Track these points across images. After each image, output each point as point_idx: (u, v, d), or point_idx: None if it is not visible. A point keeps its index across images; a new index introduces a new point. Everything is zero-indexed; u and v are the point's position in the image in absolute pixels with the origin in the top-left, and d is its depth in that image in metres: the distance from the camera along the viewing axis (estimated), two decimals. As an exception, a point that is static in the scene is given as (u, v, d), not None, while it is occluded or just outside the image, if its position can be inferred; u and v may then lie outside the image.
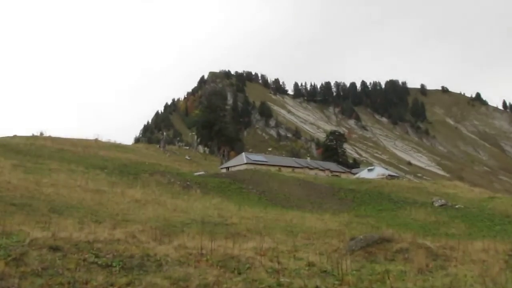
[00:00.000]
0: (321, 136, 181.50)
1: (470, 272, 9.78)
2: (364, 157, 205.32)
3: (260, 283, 7.61)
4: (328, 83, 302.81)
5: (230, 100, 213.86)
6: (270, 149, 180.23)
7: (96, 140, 68.54)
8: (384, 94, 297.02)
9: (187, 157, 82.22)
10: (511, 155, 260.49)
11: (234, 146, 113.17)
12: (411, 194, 40.21)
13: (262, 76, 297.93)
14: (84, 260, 7.67)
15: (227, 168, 66.95)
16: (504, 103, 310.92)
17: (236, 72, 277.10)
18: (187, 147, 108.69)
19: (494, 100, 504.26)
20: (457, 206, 34.44)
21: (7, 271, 6.74)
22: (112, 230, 11.27)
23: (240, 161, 69.37)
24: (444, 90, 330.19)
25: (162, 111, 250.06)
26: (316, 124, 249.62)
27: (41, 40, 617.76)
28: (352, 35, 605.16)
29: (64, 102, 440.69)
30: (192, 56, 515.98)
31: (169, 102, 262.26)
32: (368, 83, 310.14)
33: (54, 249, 7.98)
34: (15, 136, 57.85)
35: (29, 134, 63.20)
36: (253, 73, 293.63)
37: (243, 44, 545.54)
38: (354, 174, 78.37)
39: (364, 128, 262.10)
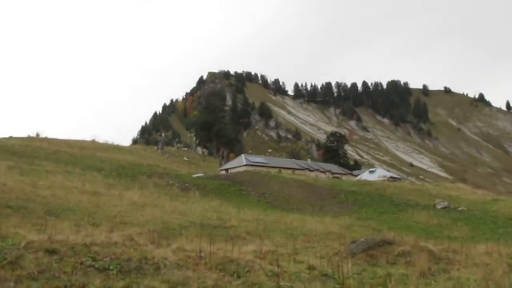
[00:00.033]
0: (322, 137, 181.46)
1: (473, 275, 9.78)
2: (365, 158, 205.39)
3: (260, 287, 7.62)
4: (328, 84, 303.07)
5: (229, 101, 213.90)
6: (270, 150, 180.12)
7: (93, 141, 68.58)
8: (386, 95, 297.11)
9: (185, 158, 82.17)
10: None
11: (233, 147, 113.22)
12: (413, 196, 40.22)
13: (262, 76, 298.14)
14: (81, 263, 7.66)
15: (226, 170, 66.93)
16: (508, 104, 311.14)
17: (236, 73, 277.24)
18: (186, 149, 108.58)
19: (498, 101, 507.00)
20: (459, 209, 34.44)
21: (2, 275, 6.73)
22: (110, 233, 11.27)
23: (239, 163, 69.31)
24: (447, 91, 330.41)
25: (160, 111, 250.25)
26: (316, 125, 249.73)
27: (40, 40, 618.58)
28: (353, 35, 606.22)
29: (64, 103, 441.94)
30: (192, 56, 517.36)
31: (168, 103, 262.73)
32: (369, 84, 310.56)
33: (51, 252, 7.98)
34: (10, 138, 57.83)
35: (25, 135, 63.25)
36: (253, 73, 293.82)
37: (243, 44, 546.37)
38: (355, 176, 78.33)
39: (365, 129, 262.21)
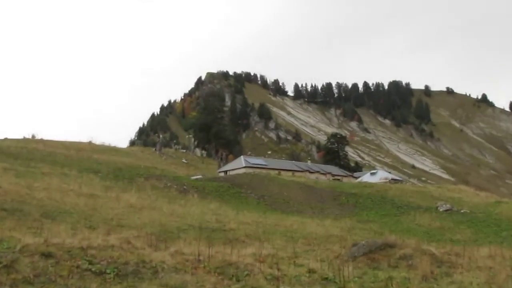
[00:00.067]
0: (322, 138, 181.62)
1: (476, 279, 9.78)
2: (366, 160, 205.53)
3: (259, 291, 7.61)
4: (329, 84, 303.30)
5: (228, 102, 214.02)
6: (269, 152, 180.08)
7: (89, 143, 68.58)
8: (387, 95, 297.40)
9: (184, 160, 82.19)
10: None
11: (233, 149, 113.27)
12: (415, 199, 40.24)
13: (261, 77, 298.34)
14: (78, 267, 7.66)
15: (225, 172, 66.95)
16: (511, 105, 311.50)
17: (235, 73, 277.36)
18: (184, 150, 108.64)
19: (501, 101, 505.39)
20: (462, 211, 34.45)
21: (-3, 279, 6.73)
22: (106, 236, 11.26)
23: (238, 165, 69.34)
24: (449, 91, 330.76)
25: (158, 113, 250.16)
26: (317, 126, 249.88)
27: (38, 40, 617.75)
28: (354, 35, 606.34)
29: (62, 103, 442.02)
30: (192, 57, 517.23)
31: (166, 104, 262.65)
32: (370, 84, 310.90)
33: (46, 255, 7.97)
34: (6, 139, 57.86)
35: (20, 137, 63.25)
36: (252, 74, 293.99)
37: (243, 45, 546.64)
38: (356, 178, 78.39)
39: (366, 130, 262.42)
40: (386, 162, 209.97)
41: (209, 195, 35.87)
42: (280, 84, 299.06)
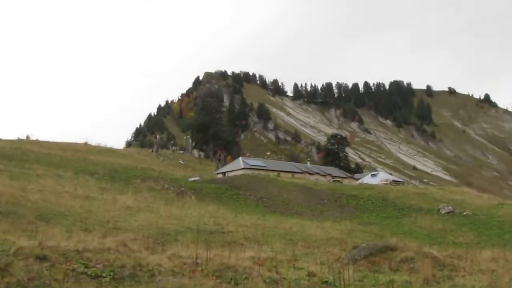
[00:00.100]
0: (322, 139, 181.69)
1: (479, 282, 9.79)
2: (367, 161, 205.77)
3: (258, 294, 7.61)
4: (329, 84, 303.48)
5: (226, 102, 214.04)
6: (268, 153, 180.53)
7: (85, 144, 68.43)
8: (388, 96, 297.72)
9: (181, 161, 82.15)
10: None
11: (231, 150, 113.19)
12: (417, 201, 40.27)
13: (260, 76, 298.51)
14: (73, 270, 7.65)
15: (224, 173, 66.96)
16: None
17: (233, 73, 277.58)
18: (181, 151, 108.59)
19: (504, 101, 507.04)
20: (465, 213, 34.50)
21: (-9, 282, 6.72)
22: (102, 238, 11.25)
23: (237, 166, 69.37)
24: (451, 91, 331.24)
25: (155, 113, 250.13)
26: (316, 127, 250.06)
27: (38, 40, 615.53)
28: (354, 35, 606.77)
29: (61, 104, 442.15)
30: (191, 57, 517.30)
31: (163, 104, 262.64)
32: (371, 84, 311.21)
33: (41, 258, 7.96)
34: (0, 140, 57.74)
35: (15, 137, 63.13)
36: (251, 74, 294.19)
37: (242, 45, 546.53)
38: (357, 179, 78.41)
39: (367, 131, 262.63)
40: (387, 164, 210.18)
41: (207, 197, 35.86)
42: (279, 84, 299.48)
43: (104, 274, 7.67)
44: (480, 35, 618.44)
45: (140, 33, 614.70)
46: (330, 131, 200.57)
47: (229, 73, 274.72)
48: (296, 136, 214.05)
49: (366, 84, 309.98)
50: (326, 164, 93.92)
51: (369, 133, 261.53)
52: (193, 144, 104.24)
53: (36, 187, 25.72)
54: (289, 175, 65.79)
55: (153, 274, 8.08)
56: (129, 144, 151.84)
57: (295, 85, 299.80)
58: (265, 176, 50.45)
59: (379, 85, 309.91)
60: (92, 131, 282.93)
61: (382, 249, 12.25)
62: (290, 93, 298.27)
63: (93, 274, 7.61)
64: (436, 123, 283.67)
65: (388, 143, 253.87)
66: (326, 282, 8.99)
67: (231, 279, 8.38)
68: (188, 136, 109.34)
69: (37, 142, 60.67)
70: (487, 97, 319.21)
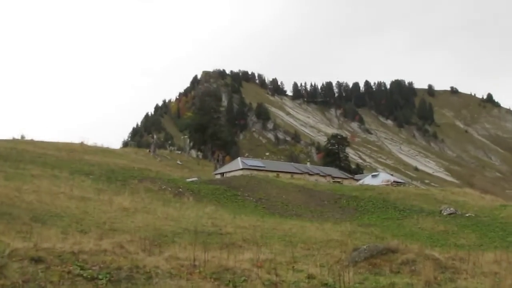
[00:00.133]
0: (322, 139, 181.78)
1: (481, 285, 9.81)
2: (367, 162, 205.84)
3: (257, 297, 7.62)
4: (329, 83, 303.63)
5: (225, 101, 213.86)
6: (267, 153, 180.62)
7: (81, 144, 68.35)
8: (389, 95, 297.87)
9: (179, 162, 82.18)
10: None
11: (229, 150, 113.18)
12: (418, 202, 40.31)
13: (259, 76, 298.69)
14: (69, 272, 7.65)
15: (222, 174, 66.96)
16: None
17: (232, 72, 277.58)
18: (179, 152, 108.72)
19: (507, 101, 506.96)
20: (467, 215, 34.52)
21: (-15, 285, 6.72)
22: (99, 240, 11.24)
23: (235, 167, 69.37)
24: (453, 91, 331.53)
25: (152, 113, 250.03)
26: (316, 127, 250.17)
27: (38, 40, 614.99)
28: (354, 34, 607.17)
29: (60, 104, 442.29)
30: (191, 57, 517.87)
31: (160, 104, 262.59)
32: (372, 83, 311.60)
33: (36, 260, 7.95)
34: (-6, 140, 57.64)
35: (9, 137, 63.00)
36: (250, 73, 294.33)
37: (242, 45, 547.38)
38: (357, 180, 78.50)
39: (367, 131, 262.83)
40: (388, 164, 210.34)
41: (205, 198, 35.86)
42: (279, 83, 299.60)
43: (100, 276, 7.66)
44: (480, 35, 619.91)
45: (140, 33, 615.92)
46: (330, 131, 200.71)
47: (227, 72, 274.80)
48: (296, 136, 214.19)
49: (367, 83, 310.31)
50: (326, 164, 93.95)
51: (370, 133, 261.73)
52: (191, 144, 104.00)
53: (31, 187, 25.70)
54: (289, 175, 65.84)
55: (150, 276, 8.08)
56: (126, 144, 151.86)
57: (295, 85, 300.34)
58: (264, 177, 50.47)
59: (380, 85, 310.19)
60: (92, 131, 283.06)
61: (383, 251, 12.26)
62: (289, 92, 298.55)
63: (89, 276, 7.61)
64: (438, 123, 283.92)
65: (389, 143, 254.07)
66: (326, 284, 8.99)
67: (229, 281, 8.39)
68: (185, 136, 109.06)
69: (32, 142, 60.59)
70: (489, 96, 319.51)
